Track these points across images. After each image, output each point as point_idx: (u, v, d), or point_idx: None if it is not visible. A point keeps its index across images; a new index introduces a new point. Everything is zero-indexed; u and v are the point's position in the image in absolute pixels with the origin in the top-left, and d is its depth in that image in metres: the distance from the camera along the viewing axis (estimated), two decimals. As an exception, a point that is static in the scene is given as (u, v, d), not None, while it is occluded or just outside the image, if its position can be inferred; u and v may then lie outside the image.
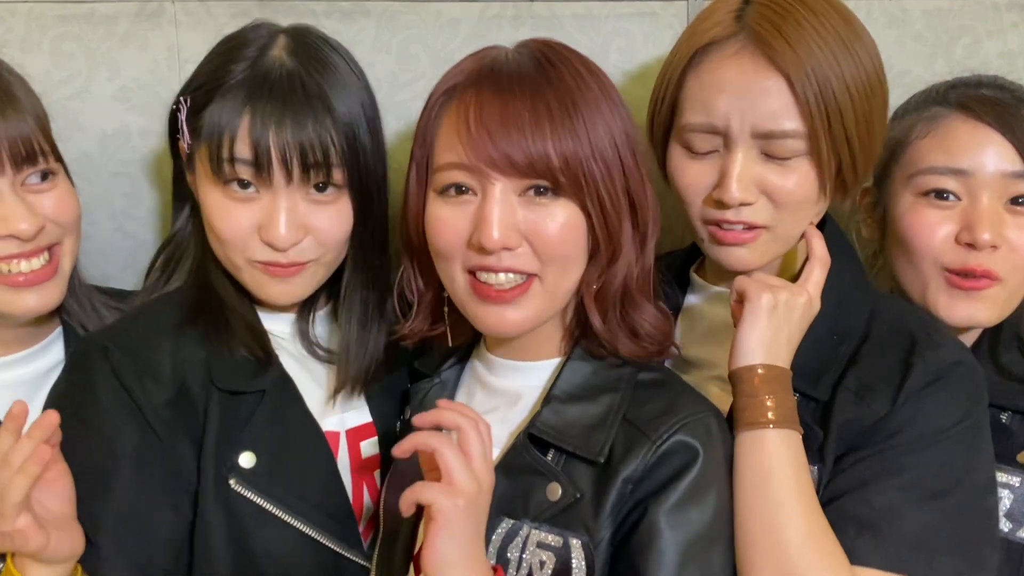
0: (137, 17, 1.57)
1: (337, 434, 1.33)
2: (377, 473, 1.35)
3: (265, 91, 1.20)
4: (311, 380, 1.34)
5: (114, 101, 1.58)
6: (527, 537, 1.12)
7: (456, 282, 1.17)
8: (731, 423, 1.17)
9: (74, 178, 1.39)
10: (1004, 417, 1.31)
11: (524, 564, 1.11)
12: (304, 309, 1.37)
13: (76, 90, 1.55)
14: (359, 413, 1.37)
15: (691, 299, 1.38)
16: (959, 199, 1.33)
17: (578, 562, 1.09)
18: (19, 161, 1.24)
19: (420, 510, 1.05)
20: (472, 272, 1.15)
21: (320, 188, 1.25)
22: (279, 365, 1.29)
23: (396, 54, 1.59)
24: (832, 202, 1.27)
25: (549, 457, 1.14)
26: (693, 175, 1.24)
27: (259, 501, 1.22)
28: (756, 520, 1.12)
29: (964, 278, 1.32)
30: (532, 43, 1.18)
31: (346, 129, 1.24)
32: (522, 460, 1.15)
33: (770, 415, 1.14)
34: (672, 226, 1.56)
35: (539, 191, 1.11)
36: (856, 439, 1.18)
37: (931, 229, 1.34)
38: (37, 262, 1.28)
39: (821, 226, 1.30)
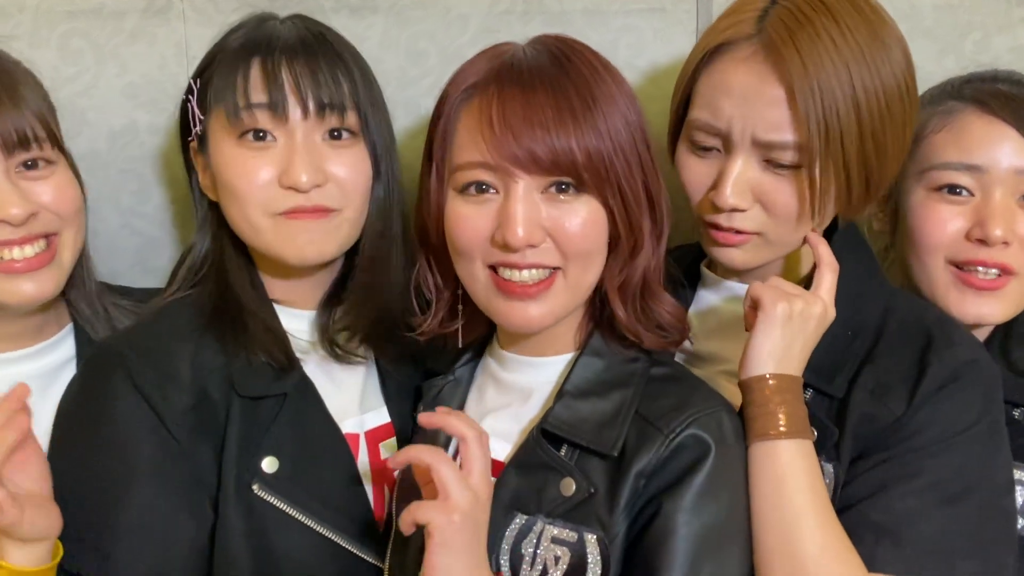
0: (145, 13, 1.57)
1: (357, 436, 1.33)
2: (397, 475, 1.34)
3: (272, 42, 1.24)
4: (331, 382, 1.33)
5: (122, 97, 1.58)
6: (541, 533, 1.12)
7: (477, 279, 1.17)
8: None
9: (82, 174, 1.38)
10: (1017, 413, 1.31)
11: (539, 560, 1.11)
12: (325, 305, 1.36)
13: (84, 86, 1.55)
14: (378, 414, 1.37)
15: (702, 293, 1.39)
16: (972, 195, 1.33)
17: (593, 557, 1.09)
18: (10, 146, 1.24)
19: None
20: (493, 268, 1.15)
21: (336, 135, 1.26)
22: (299, 368, 1.29)
23: (405, 50, 1.59)
24: (843, 216, 1.27)
25: (562, 452, 1.14)
26: (694, 172, 1.25)
27: (282, 506, 1.21)
28: (772, 532, 1.12)
29: (976, 276, 1.32)
30: (546, 39, 1.18)
31: (356, 74, 1.27)
32: (535, 456, 1.15)
33: (782, 426, 1.13)
34: (679, 221, 1.56)
35: (561, 188, 1.12)
36: (872, 439, 1.18)
37: (942, 224, 1.33)
38: (31, 249, 1.27)
39: (833, 223, 1.30)
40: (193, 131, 1.28)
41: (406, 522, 1.04)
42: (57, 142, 1.31)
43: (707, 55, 1.22)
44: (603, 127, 1.10)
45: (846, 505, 1.16)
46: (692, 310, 1.38)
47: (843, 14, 1.17)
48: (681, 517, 1.07)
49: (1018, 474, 1.28)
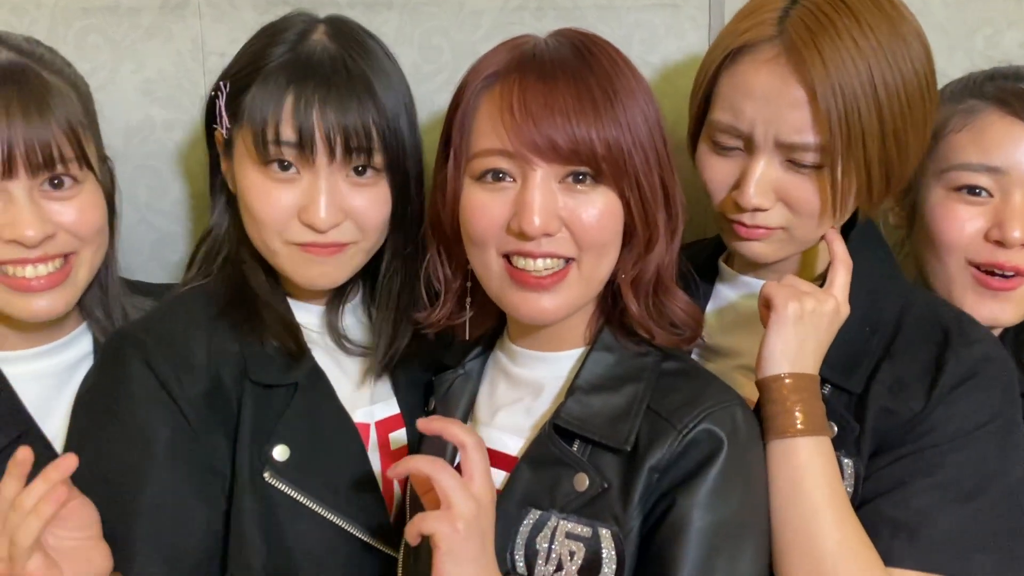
0: (161, 10, 1.58)
1: (367, 426, 1.34)
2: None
3: (308, 73, 1.22)
4: (340, 372, 1.35)
5: (138, 94, 1.59)
6: (555, 528, 1.13)
7: (491, 269, 1.17)
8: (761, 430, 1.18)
9: (97, 170, 1.39)
10: None
11: (553, 555, 1.12)
12: (333, 300, 1.38)
13: (101, 83, 1.56)
14: (387, 405, 1.38)
15: (719, 288, 1.39)
16: (991, 195, 1.33)
17: (608, 552, 1.10)
18: (35, 166, 1.22)
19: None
20: (507, 257, 1.16)
21: (360, 171, 1.26)
22: (311, 358, 1.30)
23: (419, 46, 1.60)
24: (862, 211, 1.27)
25: (575, 448, 1.15)
26: (716, 171, 1.25)
27: (292, 494, 1.23)
28: (790, 528, 1.13)
29: (993, 277, 1.32)
30: (567, 32, 1.18)
31: (387, 113, 1.25)
32: (548, 451, 1.16)
33: (799, 424, 1.14)
34: (693, 216, 1.57)
35: (579, 178, 1.12)
36: (890, 435, 1.19)
37: (961, 224, 1.33)
38: (44, 268, 1.26)
39: (852, 218, 1.30)
40: (220, 128, 1.28)
41: (411, 534, 1.05)
42: (87, 160, 1.28)
43: (728, 57, 1.22)
44: (623, 119, 1.11)
45: (863, 500, 1.18)
46: (709, 305, 1.38)
47: (863, 12, 1.17)
48: (695, 512, 1.08)
49: None
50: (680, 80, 1.56)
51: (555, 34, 1.18)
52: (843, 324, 1.21)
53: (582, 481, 1.13)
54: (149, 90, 1.59)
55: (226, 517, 1.23)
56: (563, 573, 1.11)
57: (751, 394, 1.20)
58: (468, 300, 1.26)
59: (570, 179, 1.12)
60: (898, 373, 1.21)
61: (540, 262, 1.14)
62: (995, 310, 1.34)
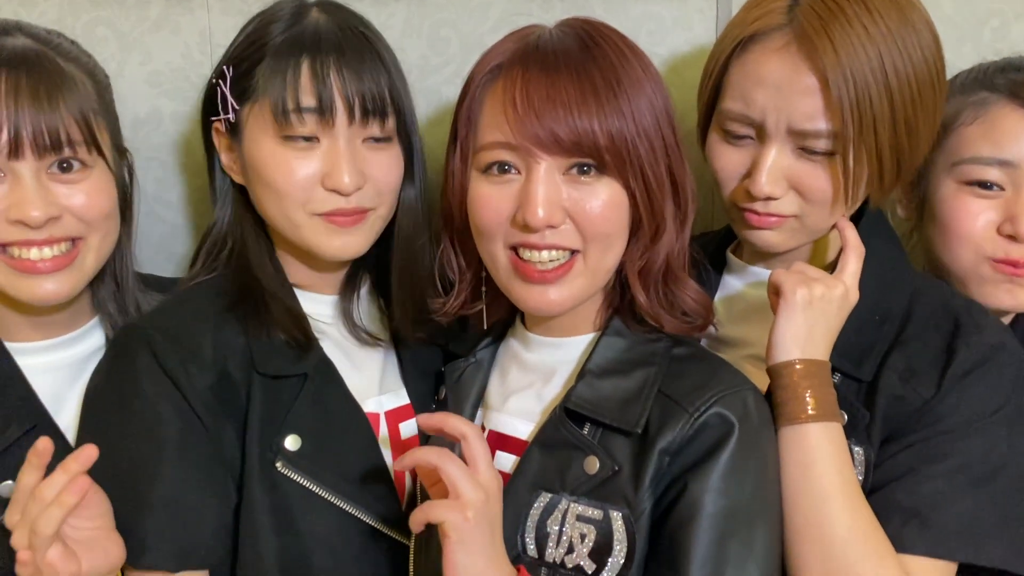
0: (169, 2, 1.58)
1: (377, 416, 1.34)
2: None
3: (319, 41, 1.24)
4: (350, 363, 1.35)
5: (146, 85, 1.60)
6: (566, 511, 1.13)
7: (498, 260, 1.18)
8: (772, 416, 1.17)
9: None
10: None
11: (564, 537, 1.12)
12: (346, 290, 1.38)
13: (109, 74, 1.54)
14: (397, 395, 1.38)
15: (728, 279, 1.39)
16: (1002, 189, 1.32)
17: (619, 534, 1.10)
18: (42, 148, 1.23)
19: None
20: (514, 249, 1.16)
21: (376, 138, 1.28)
22: (319, 349, 1.30)
23: (427, 38, 1.60)
24: (872, 200, 1.27)
25: (585, 431, 1.15)
26: (727, 160, 1.25)
27: (305, 483, 1.23)
28: (801, 514, 1.13)
29: (1009, 265, 1.32)
30: (574, 21, 1.18)
31: (395, 77, 1.29)
32: (559, 434, 1.16)
33: (810, 410, 1.14)
34: (702, 207, 1.57)
35: (583, 169, 1.12)
36: (901, 422, 1.19)
37: (973, 218, 1.33)
38: (50, 251, 1.26)
39: (861, 207, 1.30)
40: (222, 116, 1.29)
41: (416, 520, 1.05)
42: (97, 145, 1.29)
43: (738, 46, 1.23)
44: (627, 110, 1.11)
45: (874, 488, 1.18)
46: (718, 296, 1.39)
47: (872, 0, 1.17)
48: (707, 496, 1.08)
49: None
50: (688, 71, 1.56)
51: (562, 24, 1.19)
52: (853, 313, 1.21)
53: (593, 464, 1.13)
54: (157, 82, 1.60)
55: (236, 509, 1.23)
56: (574, 556, 1.12)
57: (761, 384, 1.20)
58: (483, 289, 1.27)
59: (574, 171, 1.13)
60: (908, 361, 1.21)
61: (545, 254, 1.14)
62: (1015, 294, 1.33)
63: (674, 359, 1.18)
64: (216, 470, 1.22)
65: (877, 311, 1.24)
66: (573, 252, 1.15)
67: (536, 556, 1.13)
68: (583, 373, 1.18)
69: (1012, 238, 1.31)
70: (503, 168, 1.14)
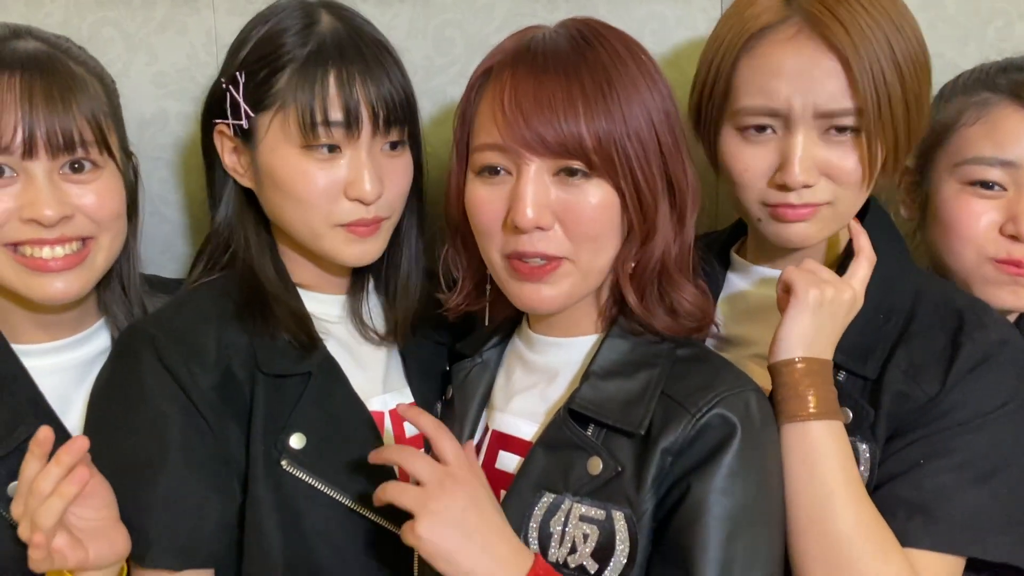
0: (175, 3, 1.59)
1: (382, 414, 1.34)
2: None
3: (342, 52, 1.24)
4: (354, 362, 1.35)
5: (152, 86, 1.61)
6: (569, 511, 1.13)
7: (494, 260, 1.19)
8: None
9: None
10: None
11: (567, 537, 1.13)
12: (355, 289, 1.39)
13: (114, 75, 1.53)
14: (401, 394, 1.39)
15: (732, 278, 1.40)
16: (1004, 189, 1.33)
17: (622, 535, 1.11)
18: (55, 149, 1.25)
19: None
20: (509, 256, 1.17)
21: (393, 147, 1.29)
22: (323, 347, 1.31)
23: (432, 39, 1.60)
24: (878, 185, 1.28)
25: (589, 432, 1.16)
26: (750, 159, 1.25)
27: (311, 481, 1.23)
28: (805, 511, 1.13)
29: (1012, 265, 1.32)
30: (571, 22, 1.19)
31: (407, 80, 1.30)
32: (562, 435, 1.17)
33: (811, 408, 1.15)
34: (706, 207, 1.58)
35: (572, 171, 1.13)
36: (906, 419, 1.19)
37: (975, 218, 1.33)
38: (62, 250, 1.27)
39: (864, 206, 1.31)
40: (231, 121, 1.28)
41: (376, 496, 1.11)
42: (107, 147, 1.30)
43: (742, 46, 1.23)
44: (616, 112, 1.11)
45: (880, 483, 1.18)
46: (722, 295, 1.39)
47: None
48: (711, 497, 1.08)
49: None
50: (692, 71, 1.55)
51: (560, 25, 1.19)
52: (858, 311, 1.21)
53: (596, 465, 1.14)
54: (163, 83, 1.60)
55: (242, 508, 1.24)
56: (576, 555, 1.12)
57: (765, 383, 1.20)
58: (487, 286, 1.27)
59: (563, 172, 1.13)
60: (913, 358, 1.21)
61: (536, 258, 1.15)
62: (1018, 293, 1.34)
63: (677, 360, 1.18)
64: (220, 469, 1.22)
65: (881, 309, 1.24)
66: (561, 259, 1.15)
67: (540, 556, 1.14)
68: (587, 374, 1.19)
69: (1014, 238, 1.31)
70: (495, 170, 1.15)
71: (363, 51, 1.25)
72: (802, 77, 1.19)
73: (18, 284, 1.28)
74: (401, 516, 1.28)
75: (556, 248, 1.14)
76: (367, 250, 1.30)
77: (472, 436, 1.30)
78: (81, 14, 1.58)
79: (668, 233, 1.18)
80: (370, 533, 1.25)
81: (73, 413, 1.33)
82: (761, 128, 1.23)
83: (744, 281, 1.38)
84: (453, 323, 1.41)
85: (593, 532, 1.12)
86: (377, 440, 1.30)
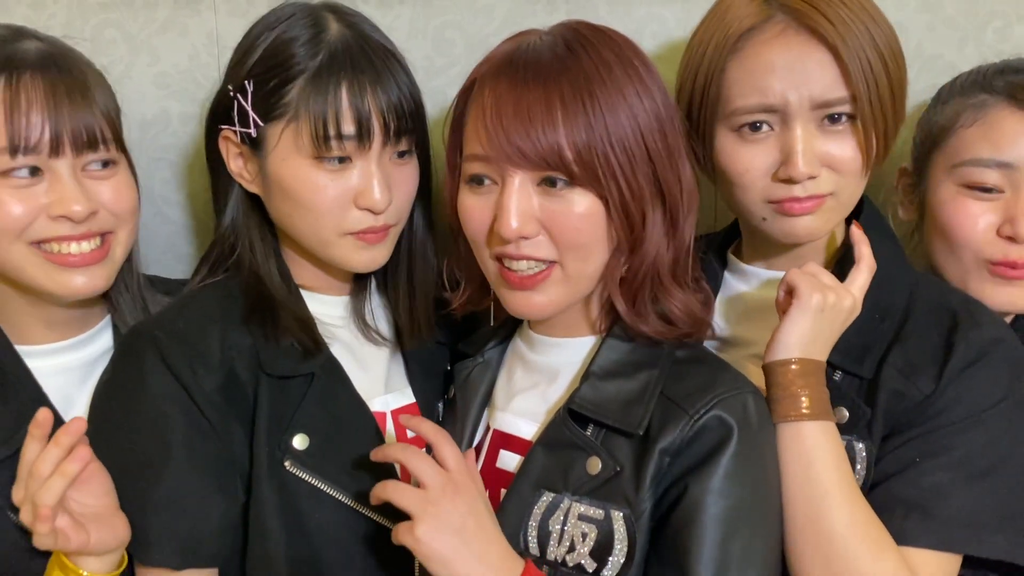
0: (177, 4, 1.59)
1: (383, 414, 1.35)
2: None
3: (353, 63, 1.24)
4: (356, 363, 1.36)
5: (154, 87, 1.61)
6: (568, 510, 1.14)
7: (487, 266, 1.21)
8: None
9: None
10: None
11: (566, 536, 1.14)
12: (358, 290, 1.40)
13: (117, 76, 1.57)
14: (403, 394, 1.40)
15: (729, 279, 1.41)
16: (1002, 191, 1.33)
17: (620, 534, 1.11)
18: (80, 146, 1.27)
19: None
20: (498, 259, 1.18)
21: (400, 155, 1.30)
22: (326, 349, 1.31)
23: (432, 39, 1.61)
24: (872, 181, 1.30)
25: (588, 432, 1.16)
26: (751, 158, 1.25)
27: (314, 482, 1.24)
28: (800, 511, 1.14)
29: (1008, 267, 1.33)
30: (560, 28, 1.18)
31: (414, 87, 1.30)
32: (562, 435, 1.18)
33: (804, 409, 1.16)
34: (703, 208, 1.58)
35: (555, 182, 1.13)
36: (902, 417, 1.20)
37: (972, 220, 1.34)
38: (87, 245, 1.30)
39: (859, 206, 1.32)
40: (239, 129, 1.28)
41: (375, 494, 1.12)
42: (121, 143, 1.33)
43: (728, 49, 1.24)
44: (597, 121, 1.10)
45: (876, 482, 1.19)
46: (719, 296, 1.40)
47: None
48: (708, 498, 1.09)
49: None
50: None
51: (550, 30, 1.19)
52: None
53: (595, 464, 1.14)
54: (165, 84, 1.61)
55: (245, 508, 1.24)
56: (575, 554, 1.13)
57: (763, 383, 1.21)
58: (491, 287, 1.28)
59: (547, 183, 1.13)
60: (908, 356, 1.22)
61: (523, 263, 1.16)
62: (1014, 295, 1.34)
63: (677, 361, 1.19)
64: (223, 469, 1.23)
65: (877, 308, 1.25)
66: (551, 262, 1.16)
67: (538, 554, 1.15)
68: (587, 375, 1.19)
69: (1012, 239, 1.31)
70: (481, 180, 1.17)
71: (373, 60, 1.25)
72: (795, 71, 1.20)
73: (44, 280, 1.29)
74: (403, 517, 1.29)
75: (544, 252, 1.15)
76: (376, 256, 1.31)
77: (473, 435, 1.31)
78: (84, 16, 1.59)
79: (659, 240, 1.17)
80: (373, 533, 1.26)
81: (76, 413, 1.33)
82: (757, 126, 1.24)
83: (741, 282, 1.39)
84: (455, 323, 1.43)
85: (591, 531, 1.13)
86: (379, 441, 1.31)
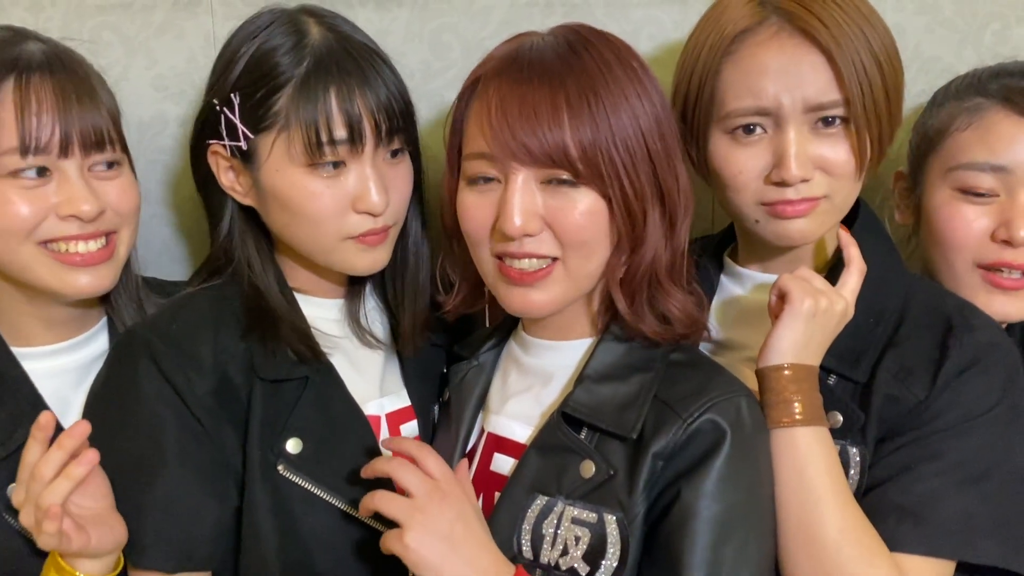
0: (174, 7, 1.60)
1: (378, 418, 1.35)
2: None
3: (339, 67, 1.23)
4: (351, 366, 1.35)
5: (151, 89, 1.61)
6: (562, 514, 1.14)
7: (485, 265, 1.20)
8: None
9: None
10: None
11: (559, 540, 1.13)
12: (353, 293, 1.40)
13: (114, 79, 1.54)
14: (398, 397, 1.39)
15: (725, 282, 1.40)
16: (996, 195, 1.33)
17: (613, 538, 1.11)
18: (88, 147, 1.28)
19: None
20: (499, 257, 1.18)
21: (394, 155, 1.29)
22: (321, 353, 1.31)
23: (428, 43, 1.61)
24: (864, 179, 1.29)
25: (582, 435, 1.16)
26: (744, 161, 1.25)
27: (307, 486, 1.24)
28: (793, 517, 1.14)
29: (1001, 275, 1.33)
30: (561, 29, 1.19)
31: (402, 85, 1.30)
32: (555, 438, 1.17)
33: (797, 415, 1.16)
34: (702, 211, 1.58)
35: (560, 180, 1.13)
36: (895, 422, 1.20)
37: (967, 224, 1.33)
38: (94, 244, 1.30)
39: (855, 210, 1.31)
40: (228, 143, 1.28)
41: (364, 505, 1.12)
42: (123, 144, 1.34)
43: (723, 52, 1.24)
44: (602, 120, 1.11)
45: (869, 487, 1.19)
46: (715, 300, 1.39)
47: None
48: (701, 502, 1.08)
49: None
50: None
51: (551, 31, 1.19)
52: None
53: (588, 468, 1.14)
54: (162, 86, 1.61)
55: (238, 512, 1.24)
56: (568, 558, 1.13)
57: (757, 387, 1.21)
58: (485, 288, 1.28)
59: (552, 180, 1.14)
60: (902, 361, 1.22)
61: (525, 261, 1.16)
62: (1006, 306, 1.34)
63: (671, 364, 1.19)
64: (216, 473, 1.23)
65: (871, 312, 1.25)
66: (553, 259, 1.16)
67: (531, 558, 1.15)
68: (581, 378, 1.19)
69: (1007, 243, 1.31)
70: (484, 178, 1.16)
71: (358, 61, 1.24)
72: (788, 74, 1.20)
73: (51, 280, 1.29)
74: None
75: (547, 249, 1.15)
76: (377, 258, 1.31)
77: (468, 438, 1.31)
78: (81, 18, 1.59)
79: (658, 240, 1.18)
80: (366, 538, 1.25)
81: (72, 415, 1.34)
82: (751, 129, 1.24)
83: (737, 285, 1.38)
84: (451, 325, 1.42)
85: (585, 535, 1.12)
86: (373, 444, 1.31)
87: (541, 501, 1.16)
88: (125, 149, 1.36)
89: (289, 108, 1.22)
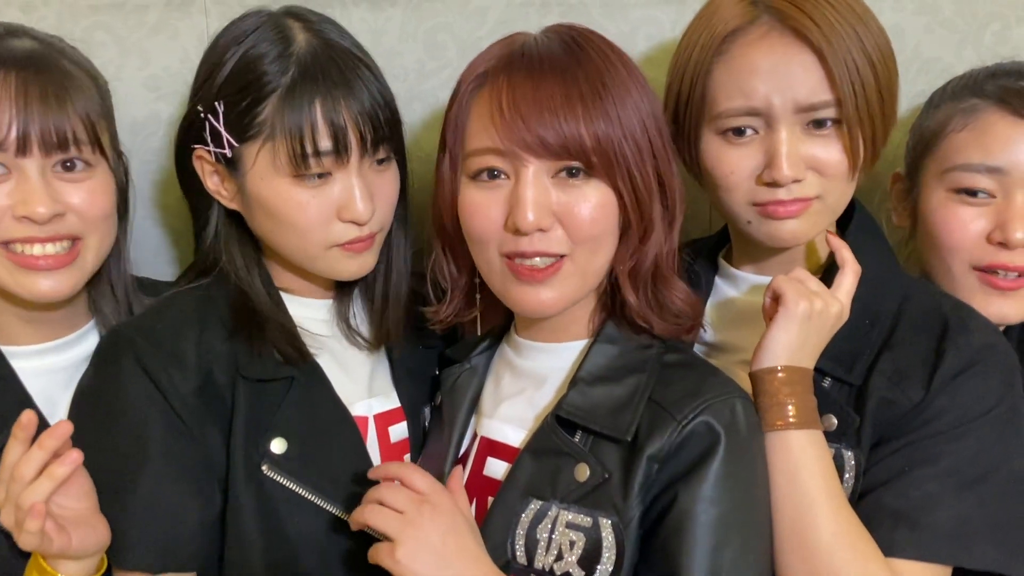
0: (167, 7, 1.59)
1: (366, 419, 1.34)
2: (407, 457, 1.36)
3: (324, 76, 1.22)
4: (338, 367, 1.35)
5: (144, 90, 1.61)
6: (556, 518, 1.13)
7: (492, 265, 1.19)
8: None
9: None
10: None
11: (554, 544, 1.12)
12: (341, 293, 1.39)
13: (107, 78, 1.54)
14: (387, 398, 1.38)
15: (720, 284, 1.40)
16: (992, 196, 1.32)
17: (608, 542, 1.10)
18: (49, 147, 1.26)
19: None
20: (507, 256, 1.17)
21: (380, 162, 1.29)
22: (308, 354, 1.30)
23: (423, 43, 1.60)
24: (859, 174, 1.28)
25: (577, 438, 1.15)
26: (736, 161, 1.25)
27: (291, 486, 1.23)
28: (787, 520, 1.13)
29: (997, 276, 1.32)
30: (558, 27, 1.19)
31: (387, 91, 1.28)
32: (550, 442, 1.16)
33: (791, 417, 1.15)
34: (699, 212, 1.57)
35: (571, 172, 1.13)
36: (891, 425, 1.19)
37: (963, 226, 1.33)
38: (52, 248, 1.28)
39: (850, 211, 1.30)
40: (213, 149, 1.27)
41: (353, 519, 1.12)
42: (100, 146, 1.31)
43: (714, 51, 1.23)
44: (613, 113, 1.12)
45: (865, 491, 1.18)
46: (710, 301, 1.39)
47: None
48: (699, 506, 1.08)
49: None
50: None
51: (547, 30, 1.19)
52: None
53: (583, 471, 1.13)
54: (155, 86, 1.60)
55: (223, 512, 1.24)
56: (563, 563, 1.12)
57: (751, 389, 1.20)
58: (477, 296, 1.27)
59: (563, 174, 1.13)
60: (898, 363, 1.21)
61: (537, 259, 1.15)
62: (1003, 307, 1.33)
63: (666, 366, 1.18)
64: (200, 473, 1.22)
65: (867, 314, 1.24)
66: (561, 256, 1.15)
67: (526, 563, 1.14)
68: (575, 381, 1.18)
69: (1003, 245, 1.30)
70: (493, 174, 1.15)
71: (343, 70, 1.23)
72: (779, 74, 1.20)
73: (9, 282, 1.28)
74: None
75: (557, 246, 1.14)
76: (363, 264, 1.31)
77: (460, 442, 1.29)
78: (74, 18, 1.58)
79: (661, 233, 1.19)
80: (351, 538, 1.24)
81: (60, 415, 1.33)
82: (742, 131, 1.23)
83: (731, 287, 1.38)
84: (443, 329, 1.41)
85: (580, 539, 1.11)
86: (359, 445, 1.30)
87: (535, 505, 1.15)
88: (102, 151, 1.32)
89: (274, 118, 1.22)
